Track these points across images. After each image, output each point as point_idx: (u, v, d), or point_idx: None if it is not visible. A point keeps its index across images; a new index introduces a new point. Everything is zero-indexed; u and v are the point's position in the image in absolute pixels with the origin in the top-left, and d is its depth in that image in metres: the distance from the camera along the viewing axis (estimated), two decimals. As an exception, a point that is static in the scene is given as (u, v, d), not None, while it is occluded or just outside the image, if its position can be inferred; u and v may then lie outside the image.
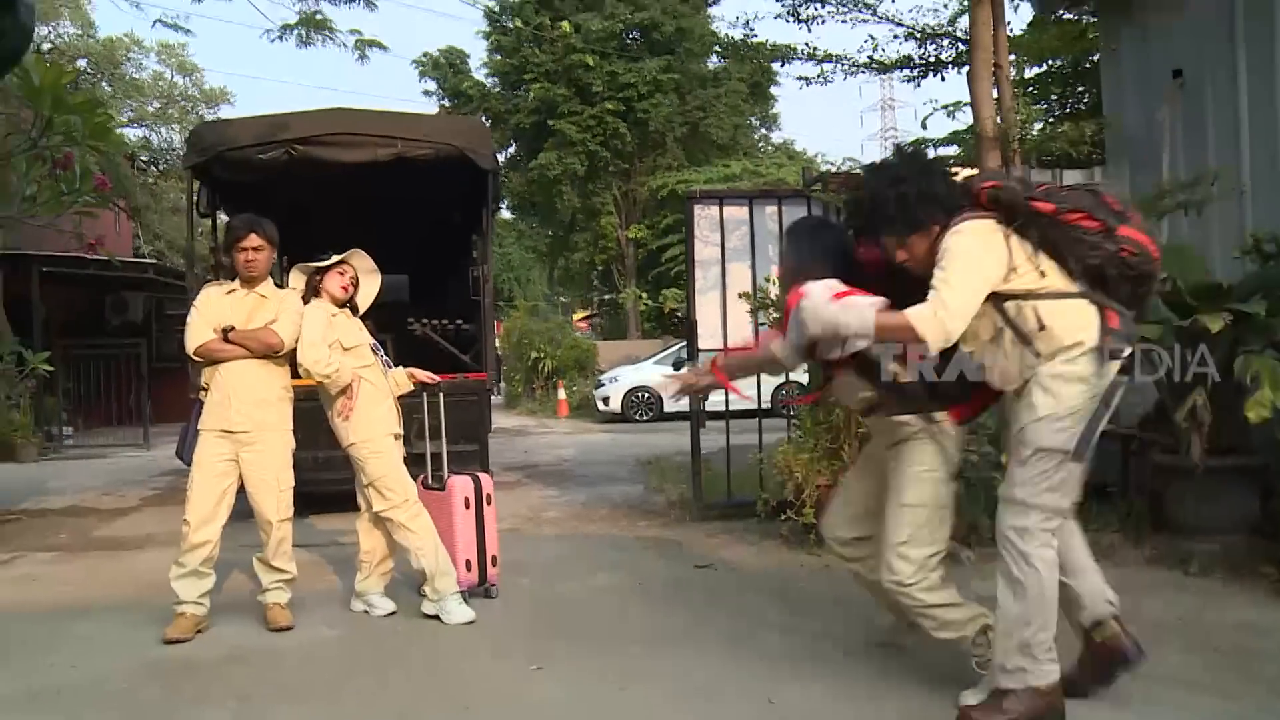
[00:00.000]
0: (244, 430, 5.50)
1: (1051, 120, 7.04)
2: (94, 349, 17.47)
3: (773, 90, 37.07)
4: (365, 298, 5.93)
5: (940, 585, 4.09)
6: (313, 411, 5.82)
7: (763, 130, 40.01)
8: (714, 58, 33.86)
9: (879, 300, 3.77)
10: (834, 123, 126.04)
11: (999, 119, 6.32)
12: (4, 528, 9.08)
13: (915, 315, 3.62)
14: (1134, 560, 6.20)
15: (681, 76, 32.39)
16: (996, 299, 3.71)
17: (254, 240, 5.57)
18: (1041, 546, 3.73)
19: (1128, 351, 3.69)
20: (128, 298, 21.12)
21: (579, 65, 30.34)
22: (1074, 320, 3.67)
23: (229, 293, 5.65)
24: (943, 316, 3.59)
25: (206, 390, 5.57)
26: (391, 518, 5.59)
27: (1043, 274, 3.69)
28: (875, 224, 3.95)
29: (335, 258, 5.79)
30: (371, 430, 5.61)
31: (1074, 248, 3.70)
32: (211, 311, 5.56)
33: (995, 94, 6.43)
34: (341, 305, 5.81)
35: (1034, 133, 6.61)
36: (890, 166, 3.99)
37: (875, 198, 3.91)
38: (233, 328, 5.48)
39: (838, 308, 3.76)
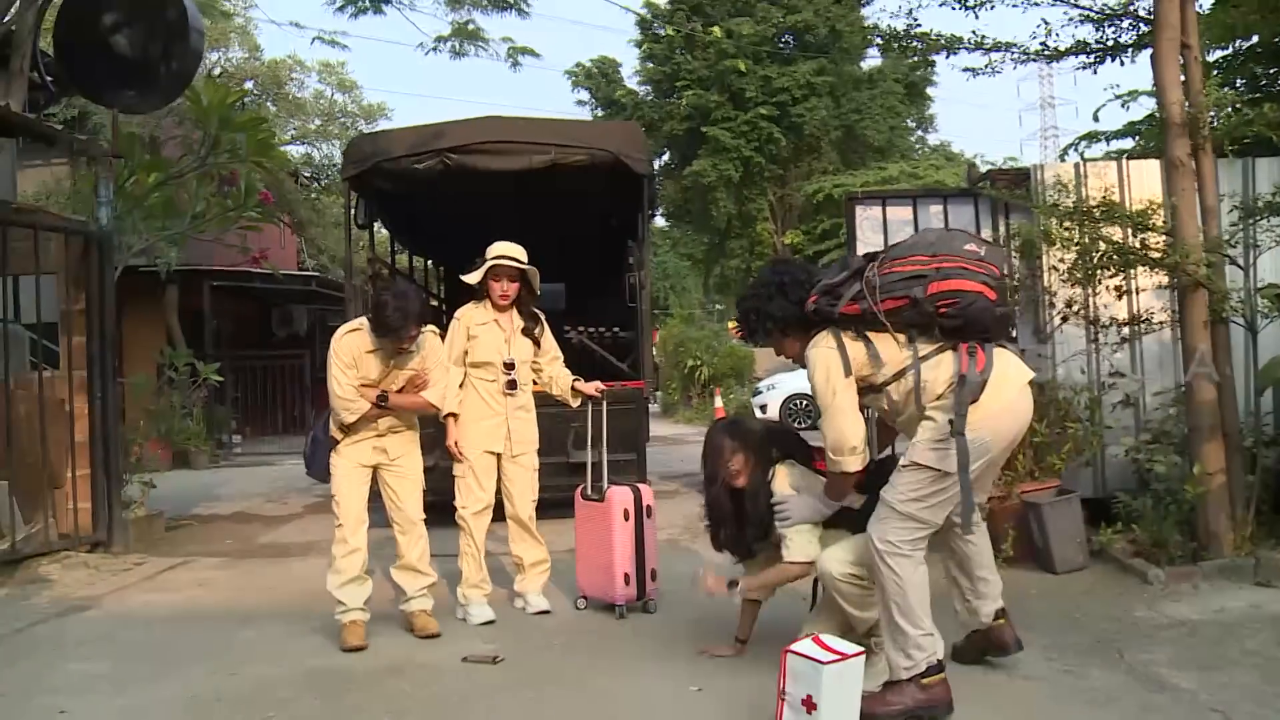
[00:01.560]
0: (386, 448, 5.59)
1: (1243, 104, 6.51)
2: (260, 359, 17.97)
3: (929, 91, 36.33)
4: (534, 276, 6.03)
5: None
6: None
7: (919, 132, 39.12)
8: (869, 58, 33.40)
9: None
10: (990, 123, 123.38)
11: (1187, 104, 5.88)
12: (177, 533, 9.30)
13: (832, 465, 4.21)
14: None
15: (836, 79, 31.89)
16: (871, 390, 4.22)
17: (412, 333, 5.38)
18: (897, 555, 4.02)
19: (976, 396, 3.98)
20: (292, 310, 21.71)
21: (731, 70, 30.09)
22: (931, 377, 4.06)
23: (369, 352, 5.44)
24: (841, 451, 4.13)
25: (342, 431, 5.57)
26: (459, 519, 5.88)
27: (880, 362, 4.13)
28: (747, 333, 4.71)
29: (478, 272, 5.93)
30: (464, 439, 5.85)
31: (896, 326, 4.11)
32: (354, 369, 5.44)
33: (1182, 77, 5.98)
34: (507, 309, 5.96)
35: (1227, 117, 6.11)
36: (756, 284, 4.63)
37: (743, 311, 4.64)
38: (386, 395, 5.44)
39: (806, 512, 4.47)
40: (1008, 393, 4.06)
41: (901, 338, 4.12)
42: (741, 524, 4.73)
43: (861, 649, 3.75)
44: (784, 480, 4.58)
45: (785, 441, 4.80)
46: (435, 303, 11.54)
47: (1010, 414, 4.09)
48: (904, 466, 4.08)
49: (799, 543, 4.47)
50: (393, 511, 5.62)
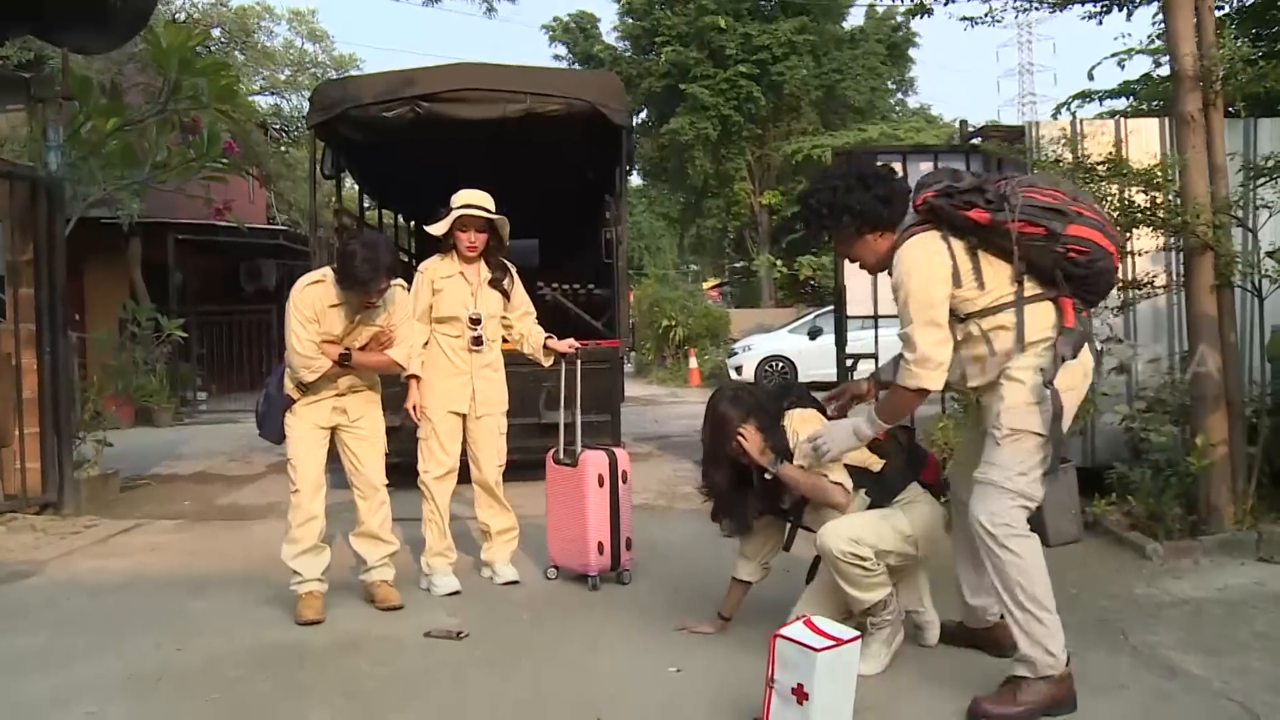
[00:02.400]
0: (346, 408, 5.24)
1: (1257, 59, 6.24)
2: (227, 315, 17.59)
3: (911, 52, 35.95)
4: (502, 225, 5.67)
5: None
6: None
7: (899, 94, 38.74)
8: (851, 17, 33.01)
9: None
10: (969, 88, 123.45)
11: (1200, 58, 5.57)
12: (133, 493, 8.99)
13: (909, 378, 3.74)
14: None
15: (817, 38, 31.43)
16: (953, 317, 3.77)
17: (381, 286, 4.99)
18: (1016, 536, 3.68)
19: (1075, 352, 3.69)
20: (261, 265, 21.29)
21: (711, 27, 29.69)
22: (1031, 320, 3.71)
23: (332, 306, 5.06)
24: (927, 364, 3.70)
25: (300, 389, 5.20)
26: (421, 484, 5.57)
27: (982, 285, 3.74)
28: (815, 231, 4.17)
29: (443, 222, 5.58)
30: (427, 399, 5.51)
31: (1018, 253, 3.70)
32: (315, 324, 5.05)
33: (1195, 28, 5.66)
34: (474, 260, 5.62)
35: (1243, 69, 5.80)
36: (828, 176, 4.10)
37: (813, 205, 4.04)
38: (349, 352, 5.07)
39: (843, 437, 4.02)
40: (1088, 360, 3.79)
41: (1013, 270, 3.72)
42: (743, 497, 4.43)
43: (857, 634, 3.45)
44: (805, 424, 4.26)
45: (788, 394, 4.49)
46: (405, 259, 11.18)
47: (1085, 382, 3.83)
48: (1005, 438, 3.68)
49: (833, 466, 4.17)
50: (352, 475, 5.28)
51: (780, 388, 4.60)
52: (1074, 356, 3.65)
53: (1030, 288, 3.72)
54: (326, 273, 5.09)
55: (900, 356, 3.81)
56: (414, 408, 5.52)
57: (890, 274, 3.88)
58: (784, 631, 3.37)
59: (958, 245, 3.75)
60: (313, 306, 5.02)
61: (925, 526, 4.15)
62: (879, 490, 4.19)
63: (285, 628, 4.89)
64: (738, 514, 4.48)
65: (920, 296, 3.70)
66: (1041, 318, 3.70)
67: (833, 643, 3.29)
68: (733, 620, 4.62)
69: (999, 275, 3.73)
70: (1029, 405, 3.65)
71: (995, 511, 3.67)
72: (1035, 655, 3.61)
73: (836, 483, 4.14)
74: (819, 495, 4.19)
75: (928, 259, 3.74)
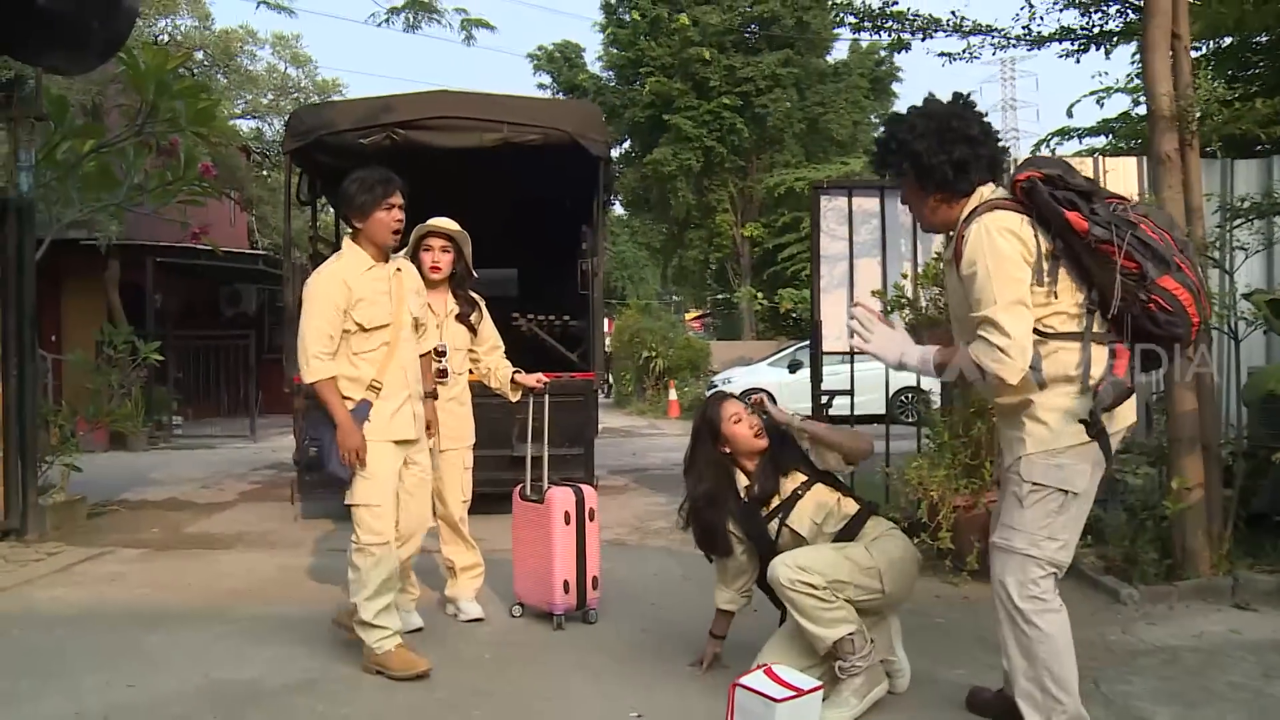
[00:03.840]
0: (421, 435, 4.89)
1: (1232, 100, 6.23)
2: (205, 339, 17.48)
3: (894, 87, 36.10)
4: (464, 241, 5.51)
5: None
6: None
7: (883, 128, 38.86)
8: (836, 51, 33.16)
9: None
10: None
11: (1176, 98, 5.55)
12: (100, 520, 8.85)
13: (988, 363, 3.32)
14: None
15: (801, 71, 31.56)
16: None
17: (400, 198, 4.65)
18: (1045, 610, 3.44)
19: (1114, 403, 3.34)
20: (241, 289, 21.22)
21: (696, 59, 29.76)
22: (1078, 354, 3.38)
23: (368, 270, 4.65)
24: (1015, 354, 3.28)
25: (374, 389, 4.62)
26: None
27: (1054, 295, 3.38)
28: (879, 165, 3.75)
29: (408, 246, 5.41)
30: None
31: (1100, 277, 3.35)
32: (343, 312, 4.58)
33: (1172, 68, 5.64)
34: (440, 288, 5.49)
35: (1219, 110, 5.79)
36: (917, 111, 3.64)
37: (884, 138, 3.67)
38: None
39: (891, 345, 3.63)
40: (1127, 416, 3.50)
41: (1084, 297, 3.38)
42: (721, 512, 4.36)
43: (819, 684, 3.37)
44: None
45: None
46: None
47: (1116, 440, 3.53)
48: (1028, 496, 3.42)
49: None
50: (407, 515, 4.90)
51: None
52: (1110, 407, 3.34)
53: (1096, 324, 3.40)
54: (346, 246, 4.77)
55: (977, 337, 3.37)
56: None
57: (954, 246, 3.53)
58: (744, 681, 3.29)
59: (1042, 240, 3.40)
60: (343, 287, 4.56)
61: (890, 560, 4.03)
62: (842, 528, 4.13)
63: (241, 664, 4.75)
64: (721, 537, 4.38)
65: (1004, 273, 3.32)
66: (1097, 359, 3.38)
67: (793, 693, 3.21)
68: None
69: (1068, 295, 3.40)
70: (1051, 454, 3.40)
71: (1024, 582, 3.43)
72: None
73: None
74: (847, 442, 4.14)
75: (1010, 238, 3.36)
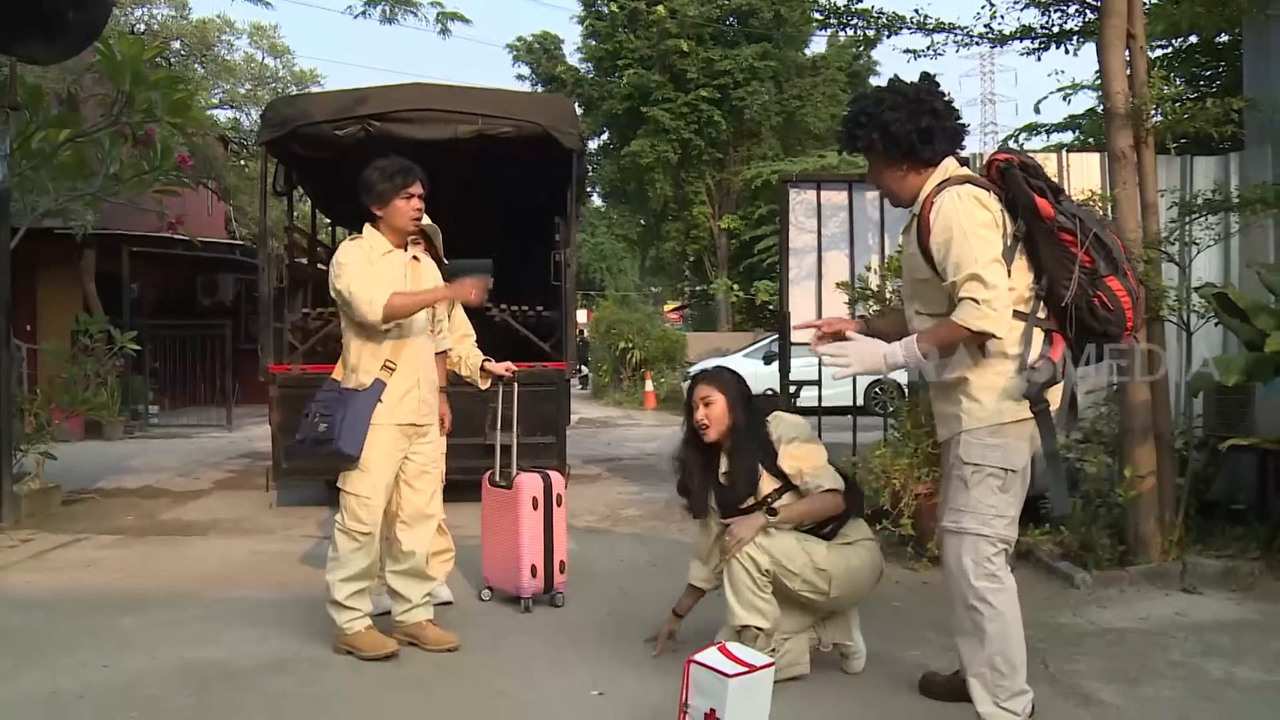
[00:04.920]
0: (427, 422, 4.91)
1: (1188, 100, 6.36)
2: (181, 329, 17.47)
3: (872, 80, 36.26)
4: (434, 233, 5.44)
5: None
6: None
7: (861, 121, 39.00)
8: (814, 44, 33.27)
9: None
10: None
11: (1131, 96, 5.68)
12: (75, 507, 8.91)
13: (970, 319, 3.38)
14: (1276, 593, 5.54)
15: (779, 64, 31.64)
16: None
17: (420, 188, 4.76)
18: (1001, 591, 3.54)
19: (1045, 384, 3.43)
20: (219, 279, 21.21)
21: (674, 51, 29.83)
22: (1020, 333, 3.50)
23: (386, 254, 4.77)
24: (996, 307, 3.36)
25: (388, 368, 4.69)
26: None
27: (1009, 275, 3.47)
28: (847, 140, 3.82)
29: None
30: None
31: (1052, 267, 3.50)
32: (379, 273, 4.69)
33: (1128, 71, 5.77)
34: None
35: (1172, 109, 5.92)
36: (886, 89, 3.76)
37: (853, 112, 3.75)
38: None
39: (869, 356, 3.64)
40: (1054, 399, 3.53)
41: (1031, 282, 3.53)
42: (706, 476, 4.46)
43: (770, 661, 3.49)
44: (790, 427, 4.31)
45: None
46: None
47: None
48: (972, 477, 3.52)
49: (828, 471, 4.15)
50: (400, 503, 4.91)
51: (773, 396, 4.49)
52: (1043, 387, 3.41)
53: (1041, 310, 3.54)
54: (366, 231, 4.83)
55: (959, 301, 3.42)
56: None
57: (921, 215, 3.59)
58: (698, 657, 3.41)
59: (1007, 221, 3.53)
60: (367, 257, 4.71)
61: (848, 568, 4.13)
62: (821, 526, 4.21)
63: (214, 645, 4.85)
64: (697, 495, 4.51)
65: (980, 235, 3.42)
66: (1035, 342, 3.51)
67: (745, 669, 3.33)
68: (685, 617, 4.68)
69: (1019, 277, 3.53)
70: (990, 432, 3.50)
71: (978, 561, 3.52)
72: (993, 714, 3.53)
73: (828, 490, 4.13)
74: (820, 515, 4.18)
75: (982, 209, 3.48)
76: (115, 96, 8.81)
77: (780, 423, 4.36)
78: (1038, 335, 3.52)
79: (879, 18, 7.35)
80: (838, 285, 7.30)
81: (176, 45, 20.37)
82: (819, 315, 7.83)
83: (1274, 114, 7.03)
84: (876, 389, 16.76)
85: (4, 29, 8.16)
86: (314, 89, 22.74)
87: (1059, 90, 10.34)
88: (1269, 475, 6.32)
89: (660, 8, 25.94)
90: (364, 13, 11.23)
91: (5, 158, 7.99)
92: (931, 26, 7.20)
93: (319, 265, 10.67)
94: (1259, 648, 4.68)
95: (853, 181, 8.10)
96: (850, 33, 7.57)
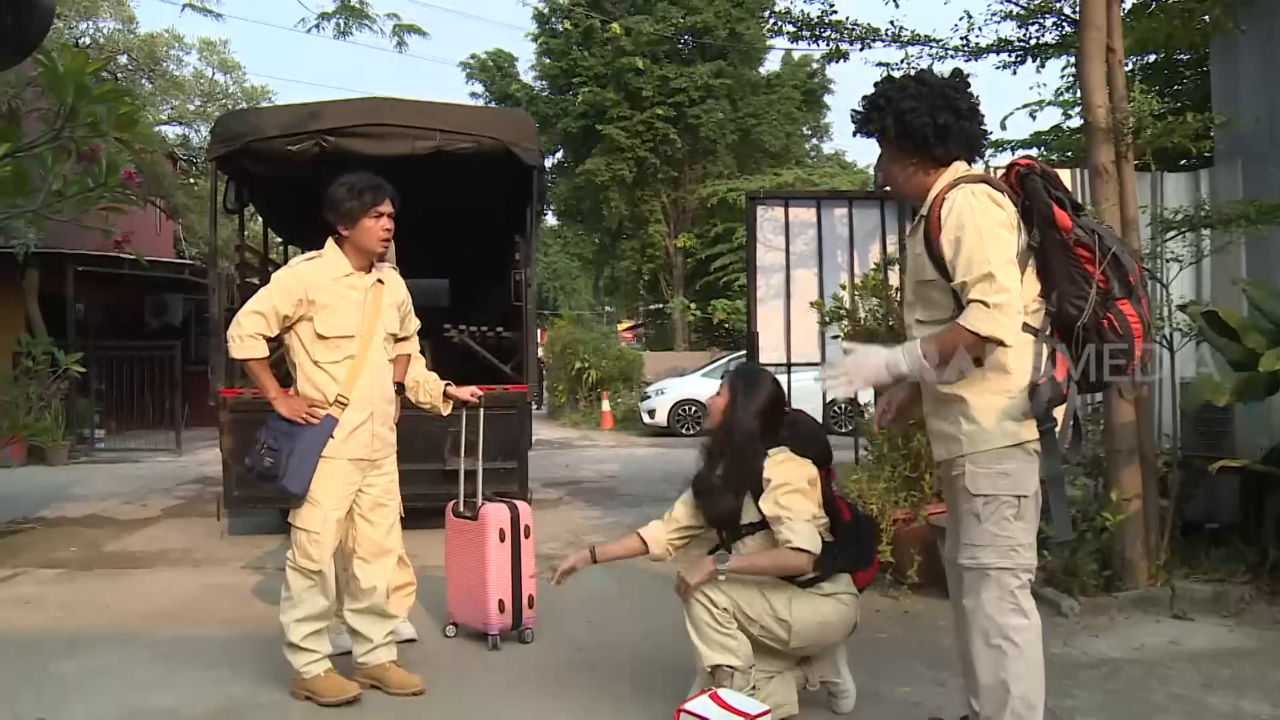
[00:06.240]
0: (381, 456, 4.63)
1: (1163, 114, 6.27)
2: (129, 350, 17.06)
3: (826, 99, 36.42)
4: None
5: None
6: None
7: (814, 140, 39.25)
8: (769, 62, 33.40)
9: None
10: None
11: (1112, 110, 5.55)
12: (14, 538, 8.55)
13: (979, 324, 3.16)
14: (1269, 619, 5.41)
15: (734, 82, 31.74)
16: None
17: (390, 206, 4.49)
18: (1028, 630, 3.35)
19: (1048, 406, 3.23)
20: (167, 299, 20.80)
21: (629, 69, 29.78)
22: (1022, 350, 3.28)
23: (345, 276, 4.48)
24: (1008, 313, 3.16)
25: (340, 404, 4.42)
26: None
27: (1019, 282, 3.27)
28: (861, 125, 3.59)
29: None
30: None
31: (1062, 283, 3.29)
32: (291, 313, 4.41)
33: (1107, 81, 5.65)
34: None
35: (1153, 123, 5.80)
36: (912, 78, 3.57)
37: (872, 96, 3.55)
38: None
39: (873, 369, 3.38)
40: (1058, 419, 3.34)
41: (1041, 300, 3.33)
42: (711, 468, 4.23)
43: (765, 709, 3.26)
44: (784, 471, 3.98)
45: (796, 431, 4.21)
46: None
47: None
48: (984, 508, 3.32)
49: (805, 530, 3.82)
50: (357, 538, 4.62)
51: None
52: (1045, 407, 3.22)
53: (1048, 327, 3.34)
54: (328, 248, 4.55)
55: (968, 303, 3.23)
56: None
57: (930, 214, 3.40)
58: (688, 706, 3.20)
59: (1021, 229, 3.33)
60: (304, 286, 4.41)
61: (817, 620, 3.91)
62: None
63: (162, 691, 4.56)
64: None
65: (996, 235, 3.24)
66: (1041, 361, 3.30)
67: (739, 718, 3.10)
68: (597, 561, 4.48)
69: (1028, 289, 3.32)
70: (992, 458, 3.30)
71: (1002, 597, 3.33)
72: None
73: (796, 549, 3.81)
74: (777, 573, 3.89)
75: (999, 210, 3.29)
76: (58, 110, 8.50)
77: (780, 465, 4.03)
78: (1043, 352, 3.31)
79: (853, 29, 7.19)
80: (811, 305, 7.12)
81: (124, 60, 19.98)
82: (788, 335, 7.68)
83: (1245, 129, 6.97)
84: (836, 407, 16.68)
85: (-61, 40, 7.86)
86: (264, 105, 22.39)
87: (1024, 106, 10.29)
88: (1252, 496, 6.19)
89: (615, 25, 25.80)
90: (317, 26, 10.95)
91: (-61, 174, 7.64)
92: (906, 39, 7.05)
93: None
94: (1260, 679, 4.53)
95: (821, 198, 7.95)
96: (822, 47, 7.38)
